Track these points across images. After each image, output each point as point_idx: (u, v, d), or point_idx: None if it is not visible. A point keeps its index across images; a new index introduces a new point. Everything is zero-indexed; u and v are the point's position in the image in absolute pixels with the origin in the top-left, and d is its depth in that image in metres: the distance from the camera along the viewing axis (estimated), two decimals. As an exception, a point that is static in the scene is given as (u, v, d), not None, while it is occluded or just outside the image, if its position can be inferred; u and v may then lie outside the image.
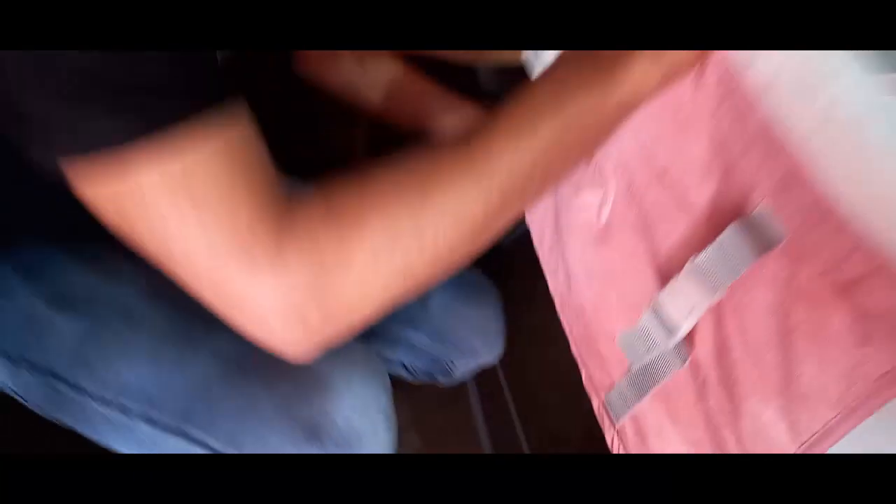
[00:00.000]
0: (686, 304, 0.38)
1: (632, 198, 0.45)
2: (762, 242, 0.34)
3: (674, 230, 0.41)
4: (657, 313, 0.39)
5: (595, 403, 0.50)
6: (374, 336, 0.67)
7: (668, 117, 0.40)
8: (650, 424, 0.45)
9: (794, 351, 0.35)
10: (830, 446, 0.36)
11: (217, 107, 0.33)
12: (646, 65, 0.36)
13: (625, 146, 0.45)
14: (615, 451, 0.48)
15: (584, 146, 0.39)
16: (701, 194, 0.39)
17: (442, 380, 0.74)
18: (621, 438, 0.47)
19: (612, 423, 0.47)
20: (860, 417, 0.34)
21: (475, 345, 0.71)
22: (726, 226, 0.36)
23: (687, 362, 0.41)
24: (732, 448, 0.40)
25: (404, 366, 0.72)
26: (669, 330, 0.39)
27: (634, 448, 0.46)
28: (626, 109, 0.38)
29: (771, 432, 0.37)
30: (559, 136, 0.36)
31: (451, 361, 0.71)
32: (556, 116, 0.36)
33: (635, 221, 0.44)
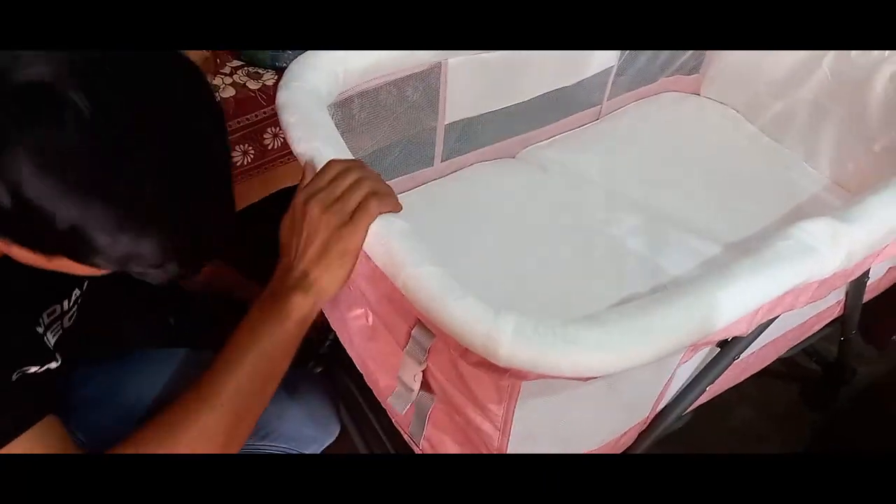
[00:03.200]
0: (410, 373, 0.64)
1: (377, 312, 0.71)
2: (428, 334, 0.61)
3: (400, 328, 0.67)
4: (400, 381, 0.66)
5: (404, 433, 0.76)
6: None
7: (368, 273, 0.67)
8: (433, 438, 0.72)
9: (469, 383, 0.62)
10: (511, 424, 0.63)
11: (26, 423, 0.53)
12: (298, 298, 0.56)
13: (365, 285, 0.71)
14: (418, 451, 0.74)
15: (285, 355, 0.59)
16: (402, 308, 0.65)
17: None
18: (423, 449, 0.74)
19: (417, 444, 0.74)
20: (512, 401, 0.61)
21: (313, 434, 0.90)
22: (415, 326, 0.63)
23: (433, 399, 0.68)
24: (474, 436, 0.67)
25: None
26: (410, 389, 0.65)
27: (427, 448, 0.73)
28: (303, 325, 0.58)
29: (482, 425, 0.65)
30: (261, 357, 0.57)
31: (299, 452, 0.89)
32: (255, 346, 0.57)
33: (383, 324, 0.71)
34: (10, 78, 0.43)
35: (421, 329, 0.62)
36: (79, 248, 0.47)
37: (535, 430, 0.66)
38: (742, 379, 0.93)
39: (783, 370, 1.28)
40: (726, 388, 0.90)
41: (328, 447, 0.95)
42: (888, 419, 1.26)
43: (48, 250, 0.49)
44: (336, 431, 0.93)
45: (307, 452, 0.91)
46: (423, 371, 0.65)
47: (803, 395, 1.28)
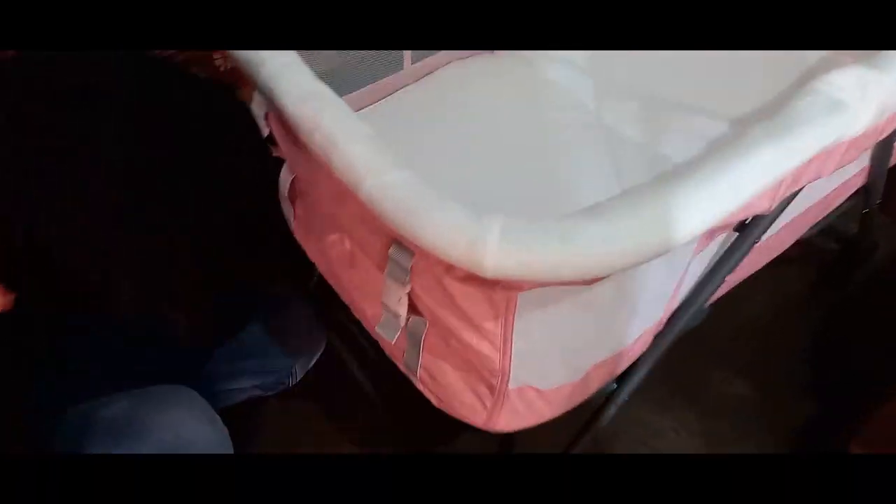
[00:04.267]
0: (394, 297, 0.57)
1: (351, 235, 0.63)
2: (406, 252, 0.54)
3: (377, 250, 0.60)
4: (385, 308, 0.59)
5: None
6: (216, 377, 0.83)
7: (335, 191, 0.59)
8: (431, 366, 0.65)
9: (459, 302, 0.55)
10: (511, 342, 0.56)
11: None
12: None
13: (334, 206, 0.63)
14: (421, 387, 0.68)
15: None
16: (375, 226, 0.58)
17: (291, 382, 0.89)
18: (424, 383, 0.68)
19: (415, 375, 0.68)
20: (509, 316, 0.54)
21: (300, 346, 0.86)
22: (392, 244, 0.55)
23: (426, 323, 0.61)
24: (474, 359, 0.60)
25: (257, 386, 0.88)
26: (396, 315, 0.58)
27: (432, 385, 0.67)
28: None
29: (479, 347, 0.58)
30: None
31: (291, 367, 0.87)
32: None
33: (360, 247, 0.63)
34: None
35: (398, 247, 0.54)
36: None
37: (538, 346, 0.59)
38: (759, 267, 0.86)
39: (799, 252, 1.21)
40: (743, 278, 0.83)
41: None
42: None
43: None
44: (323, 343, 0.90)
45: (304, 364, 0.88)
46: (409, 293, 0.58)
47: (820, 277, 1.22)
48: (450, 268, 0.50)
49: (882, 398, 0.94)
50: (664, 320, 0.71)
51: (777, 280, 1.20)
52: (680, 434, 1.03)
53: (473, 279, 0.49)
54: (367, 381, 0.99)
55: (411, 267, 0.54)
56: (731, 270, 0.68)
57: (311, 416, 1.01)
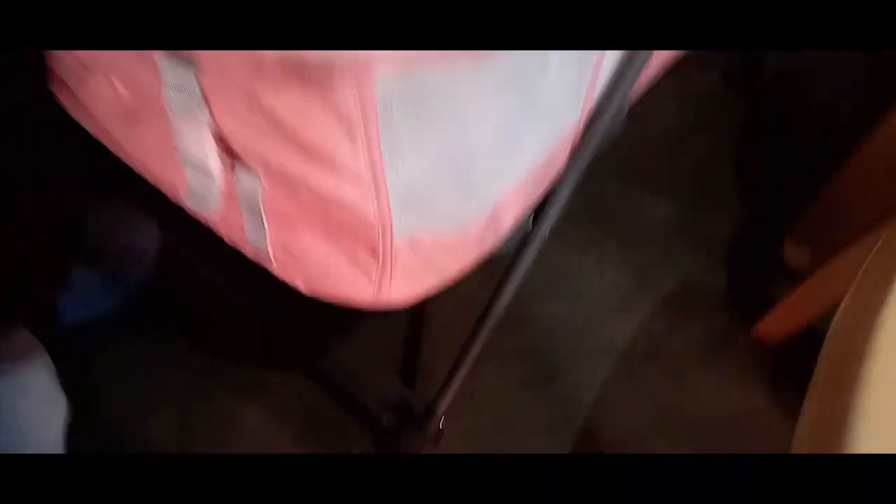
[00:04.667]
0: (195, 144, 0.38)
1: (117, 75, 0.42)
2: (184, 62, 0.34)
3: (151, 84, 0.39)
4: (188, 165, 0.39)
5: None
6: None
7: None
8: (285, 239, 0.47)
9: (293, 126, 0.36)
10: (384, 176, 0.39)
11: None
12: None
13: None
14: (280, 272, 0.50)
15: None
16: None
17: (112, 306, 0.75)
18: (283, 265, 0.50)
19: (270, 259, 0.49)
20: (371, 134, 0.36)
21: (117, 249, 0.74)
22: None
23: (259, 176, 0.42)
24: (341, 216, 0.43)
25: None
26: (204, 169, 0.39)
27: (293, 265, 0.49)
28: None
29: (342, 193, 0.40)
30: None
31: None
32: None
33: (130, 89, 0.42)
34: None
35: (171, 61, 0.34)
36: None
37: (422, 176, 0.41)
38: (673, 59, 0.71)
39: (702, 55, 1.08)
40: (659, 74, 0.68)
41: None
42: (810, 87, 1.10)
43: None
44: (152, 244, 0.79)
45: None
46: (215, 132, 0.38)
47: (725, 77, 1.10)
48: (257, 67, 0.30)
49: (811, 193, 0.85)
50: (581, 128, 0.55)
51: (682, 87, 1.08)
52: (605, 271, 0.92)
53: (297, 75, 0.30)
54: (230, 287, 0.81)
55: (201, 85, 0.35)
56: (647, 59, 0.52)
57: (182, 359, 0.83)
